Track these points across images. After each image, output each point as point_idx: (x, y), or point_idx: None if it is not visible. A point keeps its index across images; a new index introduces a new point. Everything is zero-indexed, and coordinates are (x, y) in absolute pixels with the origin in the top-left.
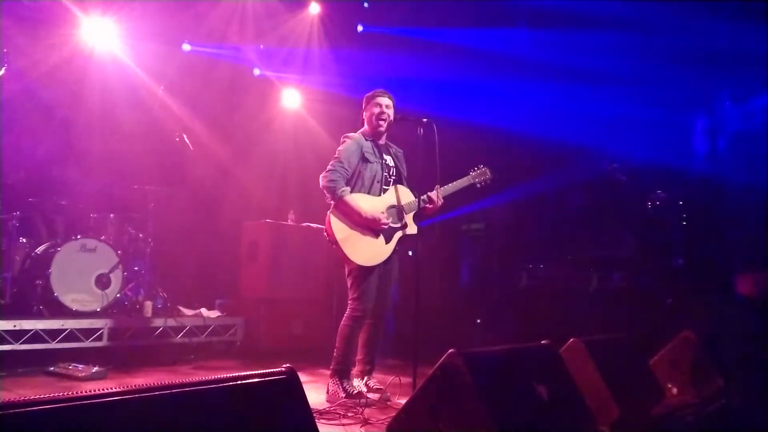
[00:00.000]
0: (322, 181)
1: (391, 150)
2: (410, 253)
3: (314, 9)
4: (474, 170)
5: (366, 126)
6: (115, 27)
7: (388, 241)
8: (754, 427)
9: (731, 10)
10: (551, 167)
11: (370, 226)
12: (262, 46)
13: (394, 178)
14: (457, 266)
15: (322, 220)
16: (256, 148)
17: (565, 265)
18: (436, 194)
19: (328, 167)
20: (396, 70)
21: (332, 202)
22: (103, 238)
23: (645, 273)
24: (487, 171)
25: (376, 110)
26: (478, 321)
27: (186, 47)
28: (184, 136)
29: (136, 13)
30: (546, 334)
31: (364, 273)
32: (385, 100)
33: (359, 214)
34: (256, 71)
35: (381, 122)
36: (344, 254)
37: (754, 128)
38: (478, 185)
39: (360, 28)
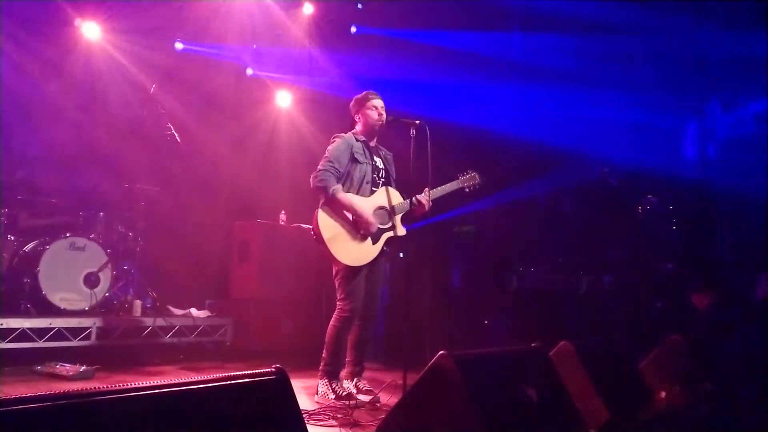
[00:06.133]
0: (313, 182)
1: (381, 152)
2: (401, 254)
3: (308, 9)
4: (463, 175)
5: (360, 127)
6: (108, 25)
7: (375, 241)
8: (742, 430)
9: (722, 16)
10: (542, 171)
11: (360, 226)
12: (255, 46)
13: (383, 180)
14: (447, 268)
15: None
16: (248, 147)
17: (556, 268)
18: (426, 197)
19: (319, 167)
20: (389, 72)
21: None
22: (92, 236)
23: (635, 277)
24: (476, 176)
25: (374, 112)
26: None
27: (179, 46)
28: (174, 132)
29: (128, 10)
30: (536, 336)
31: (351, 273)
32: (381, 102)
33: (354, 211)
34: (249, 71)
35: (382, 123)
36: (330, 254)
37: (745, 134)
38: (467, 190)
39: (353, 29)
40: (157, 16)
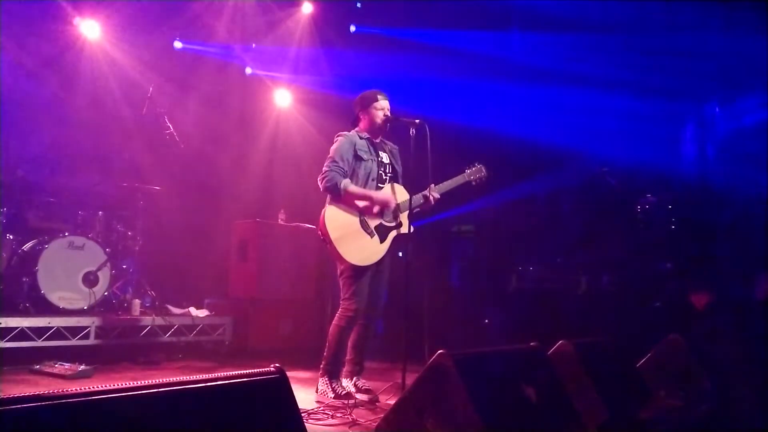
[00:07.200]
0: (321, 184)
1: (386, 147)
2: (400, 254)
3: (307, 8)
4: (469, 168)
5: (364, 125)
6: (106, 24)
7: (382, 240)
8: (741, 429)
9: (721, 16)
10: (542, 170)
11: (382, 208)
12: (254, 45)
13: (390, 175)
14: (447, 268)
15: (312, 220)
16: (247, 147)
17: (555, 267)
18: (430, 193)
19: (324, 169)
20: (388, 71)
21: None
22: (91, 235)
23: (634, 276)
24: (482, 168)
25: (381, 113)
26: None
27: (177, 45)
28: (173, 131)
29: (127, 9)
30: (535, 335)
31: (356, 273)
32: (388, 103)
33: (370, 197)
34: (248, 70)
35: (387, 124)
36: (338, 254)
37: (743, 133)
38: (473, 183)
39: (353, 28)
40: (156, 15)
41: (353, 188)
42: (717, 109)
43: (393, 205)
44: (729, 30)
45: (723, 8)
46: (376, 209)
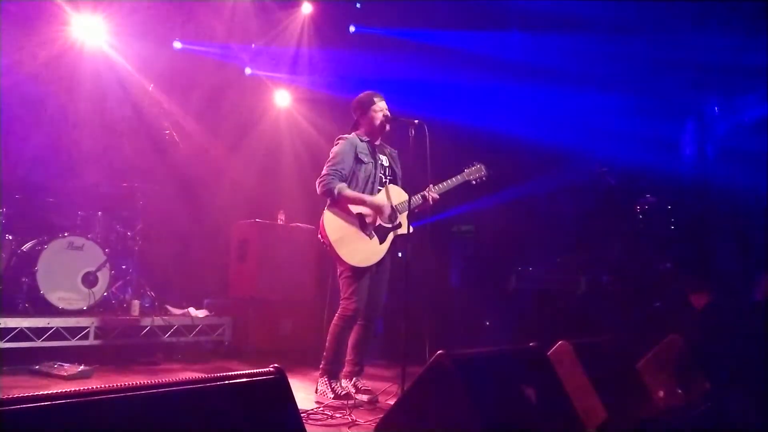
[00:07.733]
0: (319, 188)
1: (386, 150)
2: (399, 254)
3: (306, 9)
4: (469, 167)
5: (365, 128)
6: (105, 24)
7: (382, 241)
8: (740, 429)
9: (722, 17)
10: (542, 170)
11: (375, 215)
12: (253, 45)
13: (390, 178)
14: (446, 268)
15: (312, 220)
16: (247, 147)
17: (554, 267)
18: (429, 193)
19: (323, 172)
20: (388, 72)
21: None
22: (90, 236)
23: (633, 276)
24: (482, 168)
25: (380, 114)
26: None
27: (177, 45)
28: (172, 131)
29: (126, 10)
30: (534, 336)
31: (356, 273)
32: (385, 104)
33: (364, 201)
34: (248, 70)
35: (387, 125)
36: (338, 255)
37: (743, 133)
38: (473, 182)
39: (352, 28)
40: (155, 15)
41: (348, 192)
42: (716, 109)
43: (387, 212)
44: (728, 30)
45: (722, 8)
46: (370, 215)
